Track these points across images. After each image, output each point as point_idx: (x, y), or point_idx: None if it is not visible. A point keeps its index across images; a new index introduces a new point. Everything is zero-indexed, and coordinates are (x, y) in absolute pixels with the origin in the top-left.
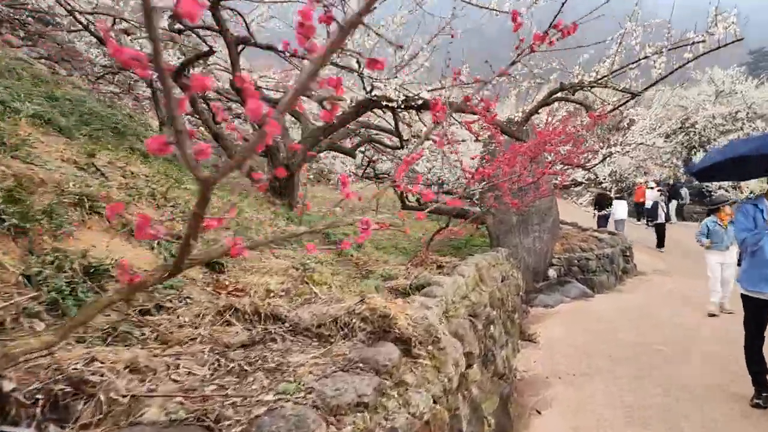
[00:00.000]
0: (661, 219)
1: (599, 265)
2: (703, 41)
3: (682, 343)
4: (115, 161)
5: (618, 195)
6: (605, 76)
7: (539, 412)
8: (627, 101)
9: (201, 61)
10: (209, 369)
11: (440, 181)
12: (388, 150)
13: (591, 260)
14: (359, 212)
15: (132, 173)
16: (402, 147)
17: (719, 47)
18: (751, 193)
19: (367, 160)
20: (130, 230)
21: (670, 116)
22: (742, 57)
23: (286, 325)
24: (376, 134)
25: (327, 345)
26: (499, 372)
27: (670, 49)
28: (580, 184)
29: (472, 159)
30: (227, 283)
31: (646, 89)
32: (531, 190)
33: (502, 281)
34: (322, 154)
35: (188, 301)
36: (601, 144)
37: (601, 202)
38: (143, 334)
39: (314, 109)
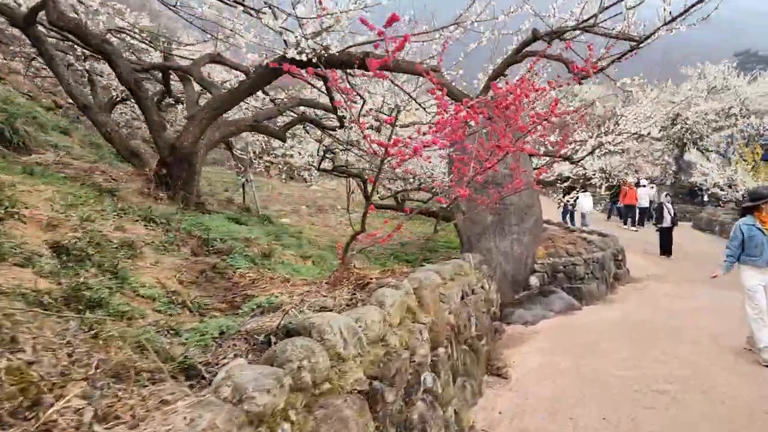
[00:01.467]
0: (667, 222)
1: (588, 272)
2: None
3: (691, 378)
4: None
5: (583, 188)
6: (593, 16)
7: None
8: (625, 54)
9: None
10: None
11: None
12: (334, 132)
13: (579, 266)
14: (329, 210)
15: None
16: (342, 126)
17: None
18: (746, 192)
19: (324, 149)
20: None
21: (661, 114)
22: (729, 60)
23: None
24: (323, 116)
25: None
26: None
27: None
28: (567, 179)
29: (404, 128)
30: None
31: (652, 33)
32: (504, 182)
33: (462, 299)
34: (276, 144)
35: None
36: (590, 134)
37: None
38: None
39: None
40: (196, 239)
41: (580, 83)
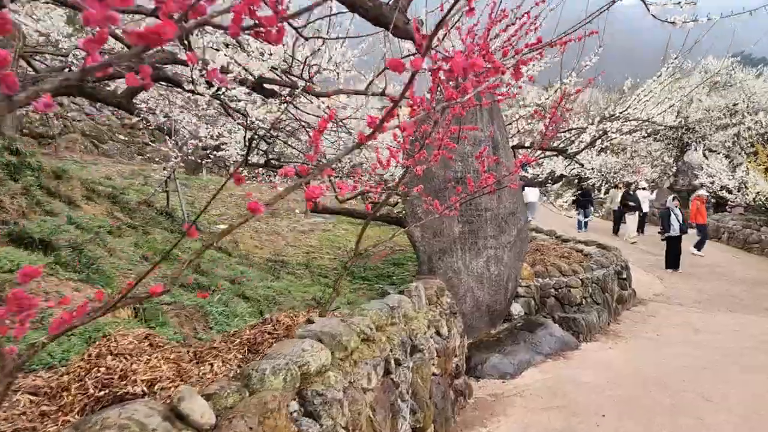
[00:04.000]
0: (675, 231)
1: (586, 295)
2: None
3: None
4: None
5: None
6: None
7: None
8: None
9: None
10: None
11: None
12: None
13: (575, 288)
14: (285, 214)
15: None
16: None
17: None
18: (758, 194)
19: (252, 136)
20: None
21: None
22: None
23: None
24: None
25: None
26: None
27: None
28: (561, 178)
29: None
30: None
31: None
32: (477, 179)
33: (387, 373)
34: (202, 132)
35: None
36: (589, 120)
37: (585, 201)
38: None
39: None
40: None
41: None
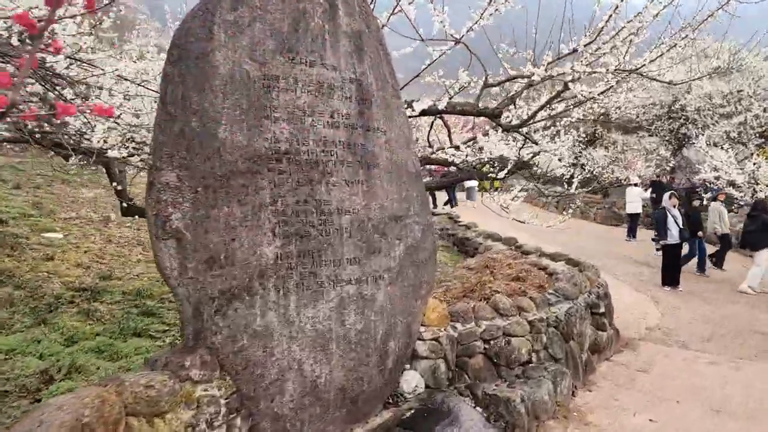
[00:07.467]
0: (674, 237)
1: (538, 348)
2: None
3: None
4: None
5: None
6: None
7: None
8: None
9: None
10: None
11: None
12: None
13: (518, 336)
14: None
15: None
16: None
17: None
18: None
19: None
20: None
21: (655, 101)
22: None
23: None
24: None
25: None
26: None
27: None
28: (517, 166)
29: None
30: None
31: None
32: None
33: None
34: None
35: None
36: (540, 64)
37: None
38: None
39: None
40: None
41: None
